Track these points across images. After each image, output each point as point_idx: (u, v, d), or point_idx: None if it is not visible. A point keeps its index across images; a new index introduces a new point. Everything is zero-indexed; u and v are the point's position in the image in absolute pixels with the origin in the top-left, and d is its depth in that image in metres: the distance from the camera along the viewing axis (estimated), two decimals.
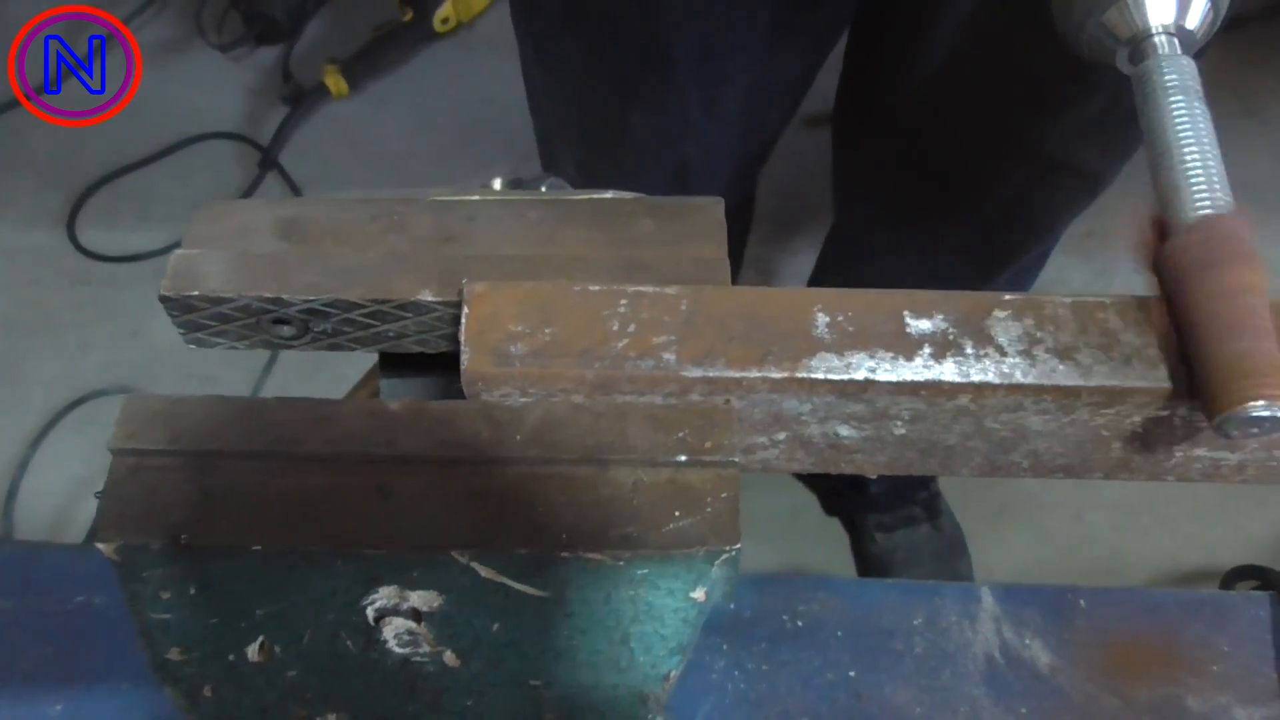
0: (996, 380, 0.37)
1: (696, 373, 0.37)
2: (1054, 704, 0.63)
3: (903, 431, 0.39)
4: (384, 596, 0.36)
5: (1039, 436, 0.39)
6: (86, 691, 0.56)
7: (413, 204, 0.42)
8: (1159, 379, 0.37)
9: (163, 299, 0.40)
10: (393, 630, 0.36)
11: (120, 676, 0.57)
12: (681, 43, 0.85)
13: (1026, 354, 0.37)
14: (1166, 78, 0.39)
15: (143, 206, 1.96)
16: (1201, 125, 0.38)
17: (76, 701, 0.56)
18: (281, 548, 0.35)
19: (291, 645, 0.36)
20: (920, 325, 0.38)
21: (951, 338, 0.38)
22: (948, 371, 0.37)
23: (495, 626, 0.36)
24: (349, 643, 0.36)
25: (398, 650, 0.36)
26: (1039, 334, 0.38)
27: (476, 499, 0.36)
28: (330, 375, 1.64)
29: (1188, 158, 0.38)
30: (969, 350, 0.37)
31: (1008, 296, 0.38)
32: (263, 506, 0.36)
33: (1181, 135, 0.38)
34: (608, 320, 0.38)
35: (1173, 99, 0.39)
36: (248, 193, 1.97)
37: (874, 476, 0.42)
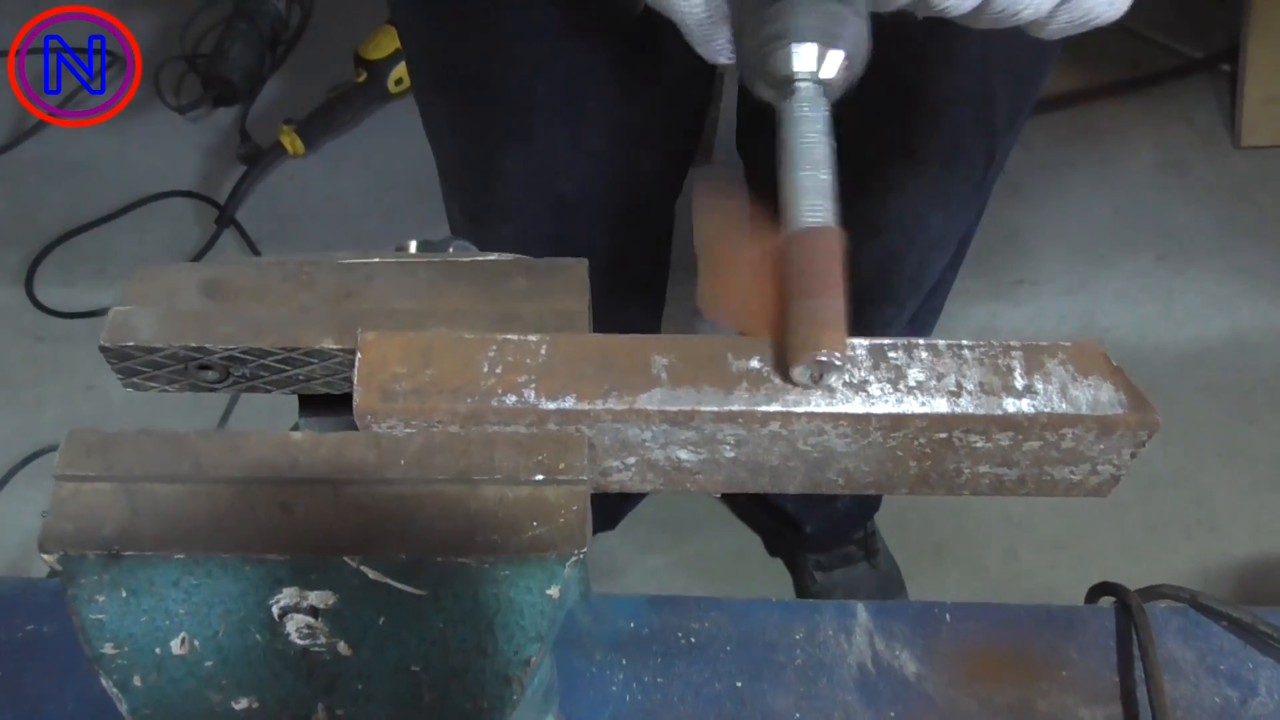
0: (799, 410, 0.44)
1: (552, 406, 0.44)
2: (919, 707, 0.70)
3: (732, 454, 0.47)
4: (286, 596, 0.42)
5: (845, 457, 0.47)
6: (33, 713, 0.62)
7: (320, 265, 0.50)
8: (936, 407, 0.45)
9: (102, 349, 0.47)
10: (294, 625, 0.42)
11: (66, 698, 0.63)
12: (542, 85, 0.93)
13: (827, 387, 0.45)
14: (799, 111, 0.47)
15: (100, 264, 2.01)
16: (819, 152, 0.46)
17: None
18: (199, 556, 0.42)
19: (208, 639, 0.42)
20: (739, 365, 0.45)
21: (765, 374, 0.45)
22: (760, 402, 0.45)
23: (381, 620, 0.43)
24: (257, 636, 0.42)
25: (298, 642, 0.43)
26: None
27: (365, 513, 0.43)
28: (278, 425, 1.70)
29: (803, 178, 0.46)
30: (778, 384, 0.45)
31: None
32: (183, 521, 0.42)
33: (802, 159, 0.46)
34: (479, 363, 0.45)
35: (802, 130, 0.46)
36: (205, 249, 2.03)
37: (716, 495, 0.50)
